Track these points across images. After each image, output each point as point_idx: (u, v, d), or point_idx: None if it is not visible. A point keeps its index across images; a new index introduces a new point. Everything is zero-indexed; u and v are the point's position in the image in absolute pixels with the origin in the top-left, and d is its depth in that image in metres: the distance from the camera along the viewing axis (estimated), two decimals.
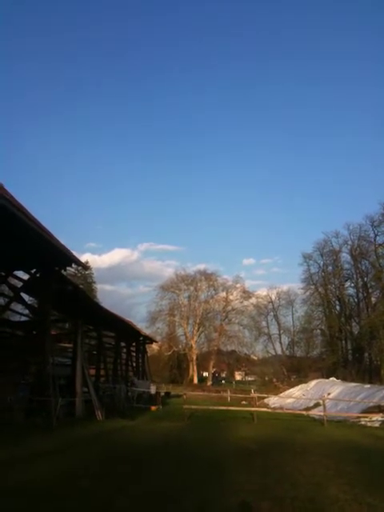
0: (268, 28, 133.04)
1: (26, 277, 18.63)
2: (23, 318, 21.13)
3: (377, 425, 20.17)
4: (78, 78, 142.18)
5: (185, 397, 24.44)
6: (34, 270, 17.96)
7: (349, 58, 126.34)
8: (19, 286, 18.91)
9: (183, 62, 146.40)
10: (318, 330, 66.87)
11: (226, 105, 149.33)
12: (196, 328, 72.40)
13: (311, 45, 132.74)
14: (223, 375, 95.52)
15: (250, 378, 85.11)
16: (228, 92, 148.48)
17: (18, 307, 21.91)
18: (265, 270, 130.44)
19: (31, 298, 22.67)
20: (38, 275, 17.90)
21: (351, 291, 64.22)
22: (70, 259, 16.48)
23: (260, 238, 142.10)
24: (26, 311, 20.76)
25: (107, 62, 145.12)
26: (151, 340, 47.17)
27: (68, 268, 18.29)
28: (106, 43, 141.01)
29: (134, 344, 39.27)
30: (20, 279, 18.96)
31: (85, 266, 25.19)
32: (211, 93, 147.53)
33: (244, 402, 34.90)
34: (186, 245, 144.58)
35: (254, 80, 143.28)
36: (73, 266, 18.35)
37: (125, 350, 36.42)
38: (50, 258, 16.31)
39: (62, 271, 18.04)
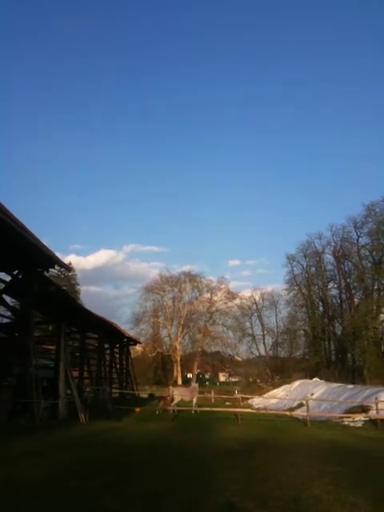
0: (267, 26, 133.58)
1: (8, 278, 18.42)
2: (5, 320, 20.84)
3: (360, 425, 20.41)
4: (69, 79, 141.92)
5: (169, 398, 24.35)
6: (16, 271, 17.75)
7: (344, 57, 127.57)
8: (1, 287, 18.67)
9: (178, 61, 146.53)
10: (302, 331, 67.30)
11: (216, 106, 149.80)
12: (180, 329, 72.23)
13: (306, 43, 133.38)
14: (207, 376, 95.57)
15: (234, 379, 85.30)
16: (218, 93, 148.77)
17: (0, 309, 21.64)
18: (250, 271, 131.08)
19: (13, 300, 22.42)
20: (20, 277, 17.69)
21: (334, 292, 64.86)
22: (52, 261, 16.32)
23: (245, 240, 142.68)
24: (8, 313, 20.50)
25: (97, 60, 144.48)
26: (135, 341, 46.93)
27: (51, 269, 18.14)
28: (103, 41, 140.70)
29: (117, 345, 39.08)
30: (2, 281, 18.73)
31: (68, 268, 25.05)
32: (201, 93, 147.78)
33: (228, 403, 35.03)
34: (171, 246, 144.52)
35: (243, 80, 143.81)
36: (56, 267, 18.18)
37: (108, 352, 36.23)
38: (32, 260, 16.13)
39: (45, 273, 17.87)
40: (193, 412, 23.82)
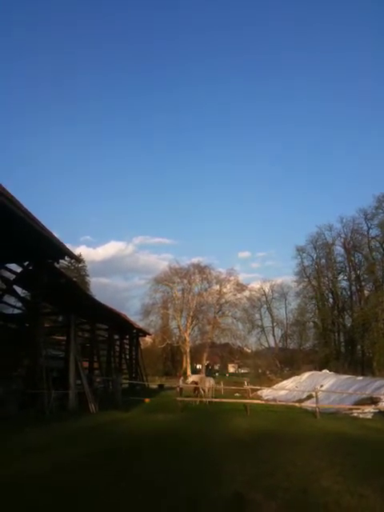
0: (269, 22, 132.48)
1: (18, 269, 18.54)
2: (16, 311, 21.02)
3: (369, 416, 20.33)
4: (77, 72, 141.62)
5: (178, 389, 24.49)
6: (27, 262, 17.86)
7: (348, 50, 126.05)
8: (12, 278, 18.81)
9: (182, 56, 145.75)
10: (311, 323, 67.32)
11: (225, 99, 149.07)
12: (189, 321, 72.37)
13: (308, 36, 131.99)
14: (217, 368, 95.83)
15: (243, 371, 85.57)
16: (227, 86, 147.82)
17: (11, 300, 21.83)
18: (260, 263, 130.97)
19: (24, 291, 22.59)
20: (30, 268, 17.81)
21: (344, 284, 64.77)
22: (62, 252, 16.40)
23: (256, 231, 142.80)
24: (19, 304, 20.67)
25: (105, 54, 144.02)
26: (145, 333, 47.17)
27: (61, 261, 18.24)
28: (106, 35, 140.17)
29: (127, 337, 39.29)
30: (13, 272, 18.86)
31: (78, 259, 25.12)
32: (210, 86, 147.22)
33: (237, 394, 35.07)
34: (181, 238, 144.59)
35: (253, 73, 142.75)
36: (66, 258, 18.28)
37: (118, 343, 36.42)
38: (42, 251, 16.23)
39: (55, 264, 17.97)
40: (207, 402, 23.94)
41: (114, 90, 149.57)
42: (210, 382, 25.86)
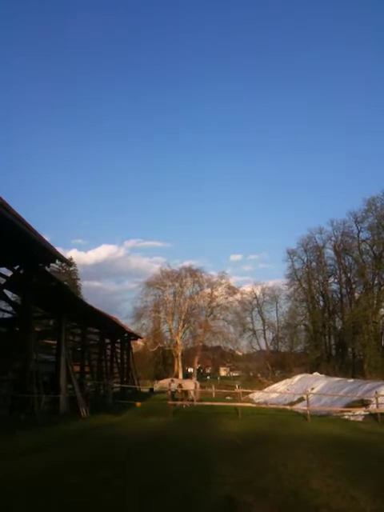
0: (270, 20, 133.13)
1: (9, 273, 18.44)
2: (6, 315, 20.88)
3: (360, 419, 20.44)
4: (76, 71, 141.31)
5: (169, 393, 24.42)
6: (17, 266, 17.77)
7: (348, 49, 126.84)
8: (2, 282, 18.70)
9: (180, 55, 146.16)
10: (302, 326, 67.43)
11: (219, 99, 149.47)
12: (181, 324, 72.17)
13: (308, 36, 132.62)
14: (208, 371, 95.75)
15: (234, 374, 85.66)
16: (222, 87, 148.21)
17: (1, 304, 21.69)
18: (252, 266, 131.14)
19: (14, 295, 22.46)
20: (21, 272, 17.72)
21: (335, 287, 64.94)
22: (53, 255, 16.32)
23: (247, 235, 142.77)
24: (9, 308, 20.53)
25: (100, 54, 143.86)
26: (136, 336, 47.04)
27: (52, 264, 18.16)
28: (105, 35, 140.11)
29: (118, 340, 39.14)
30: (3, 276, 18.75)
31: (68, 263, 25.05)
32: (201, 88, 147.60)
33: (229, 398, 35.08)
34: (173, 241, 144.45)
35: (244, 74, 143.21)
36: (57, 262, 18.20)
37: (109, 347, 36.29)
38: (33, 255, 16.14)
39: (46, 267, 17.89)
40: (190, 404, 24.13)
41: (112, 90, 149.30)
42: (193, 385, 25.97)
